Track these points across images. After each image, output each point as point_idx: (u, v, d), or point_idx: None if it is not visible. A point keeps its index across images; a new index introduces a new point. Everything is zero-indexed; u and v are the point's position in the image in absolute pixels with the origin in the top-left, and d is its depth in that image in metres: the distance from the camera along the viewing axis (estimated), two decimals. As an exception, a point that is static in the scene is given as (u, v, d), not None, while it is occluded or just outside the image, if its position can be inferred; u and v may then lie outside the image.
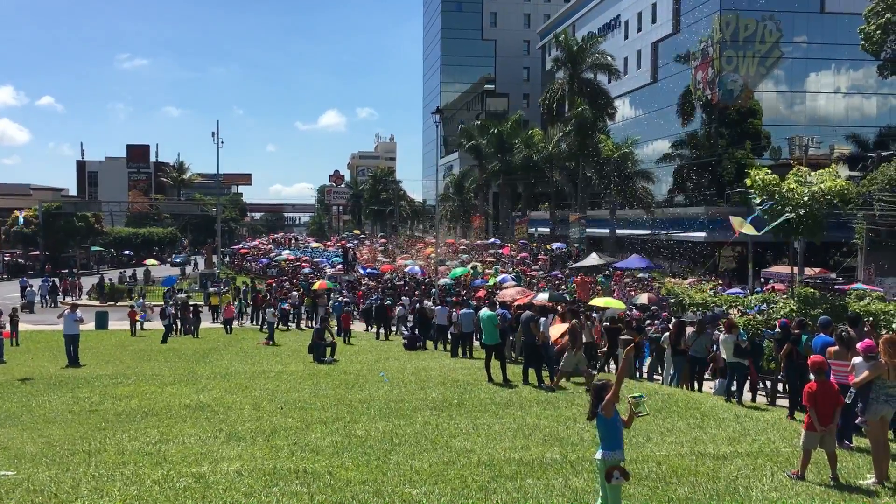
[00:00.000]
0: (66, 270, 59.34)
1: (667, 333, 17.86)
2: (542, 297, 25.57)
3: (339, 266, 53.16)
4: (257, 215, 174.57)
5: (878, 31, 39.46)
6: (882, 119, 53.69)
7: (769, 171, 20.84)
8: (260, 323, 30.42)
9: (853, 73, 54.51)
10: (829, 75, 54.83)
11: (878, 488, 8.26)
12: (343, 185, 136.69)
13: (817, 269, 37.55)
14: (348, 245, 68.26)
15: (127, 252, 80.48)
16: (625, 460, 6.63)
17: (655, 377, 18.68)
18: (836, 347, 10.21)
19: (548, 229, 66.32)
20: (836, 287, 30.15)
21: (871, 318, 16.85)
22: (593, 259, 44.37)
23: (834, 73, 54.82)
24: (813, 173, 20.36)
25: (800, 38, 53.59)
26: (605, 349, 19.40)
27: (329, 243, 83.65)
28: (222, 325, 31.37)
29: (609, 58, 58.39)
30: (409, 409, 12.97)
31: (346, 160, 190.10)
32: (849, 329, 10.73)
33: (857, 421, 10.10)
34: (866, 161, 42.35)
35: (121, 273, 55.02)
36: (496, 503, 7.60)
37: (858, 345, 9.97)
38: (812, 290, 20.80)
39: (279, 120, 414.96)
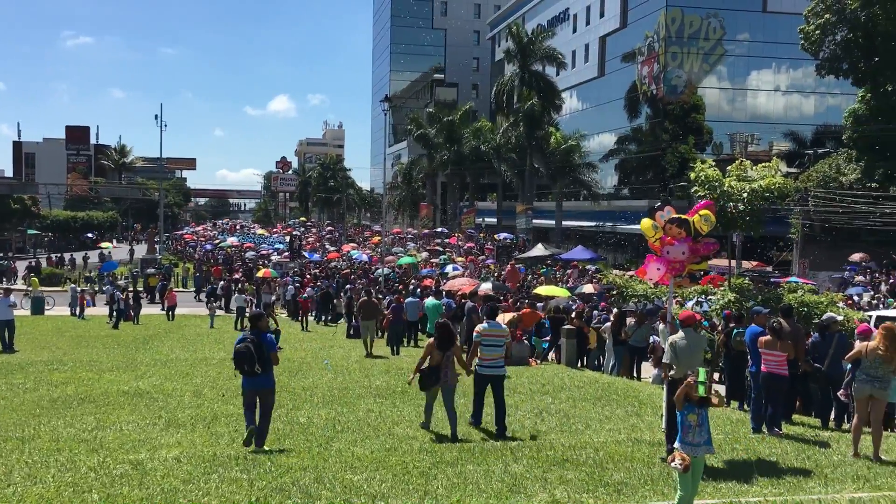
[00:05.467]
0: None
1: (608, 323, 18.18)
2: (486, 287, 25.76)
3: (285, 253, 52.73)
4: (202, 201, 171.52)
5: (817, 31, 40.49)
6: (819, 117, 55.23)
7: (713, 165, 21.15)
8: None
9: (793, 72, 55.94)
10: (770, 73, 56.19)
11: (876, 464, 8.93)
12: (290, 172, 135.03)
13: (754, 263, 38.55)
14: (294, 232, 67.70)
15: (89, 234, 78.35)
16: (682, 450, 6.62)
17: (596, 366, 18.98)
18: (768, 337, 10.54)
19: (495, 219, 66.69)
20: (771, 280, 31.02)
21: (804, 310, 17.39)
22: (539, 250, 44.80)
23: (774, 71, 56.18)
24: (755, 168, 20.81)
25: (742, 36, 54.76)
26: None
27: (275, 230, 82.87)
28: (165, 312, 30.96)
29: (559, 54, 59.00)
30: (353, 397, 12.99)
31: (293, 147, 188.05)
32: (780, 320, 11.08)
33: (842, 397, 11.18)
34: (803, 158, 43.60)
35: (84, 256, 53.47)
36: (436, 489, 7.67)
37: (857, 328, 11.49)
38: (748, 283, 21.33)
39: (228, 104, 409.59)
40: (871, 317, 18.91)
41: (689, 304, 19.20)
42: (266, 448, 9.23)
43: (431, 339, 10.61)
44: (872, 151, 38.77)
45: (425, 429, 10.31)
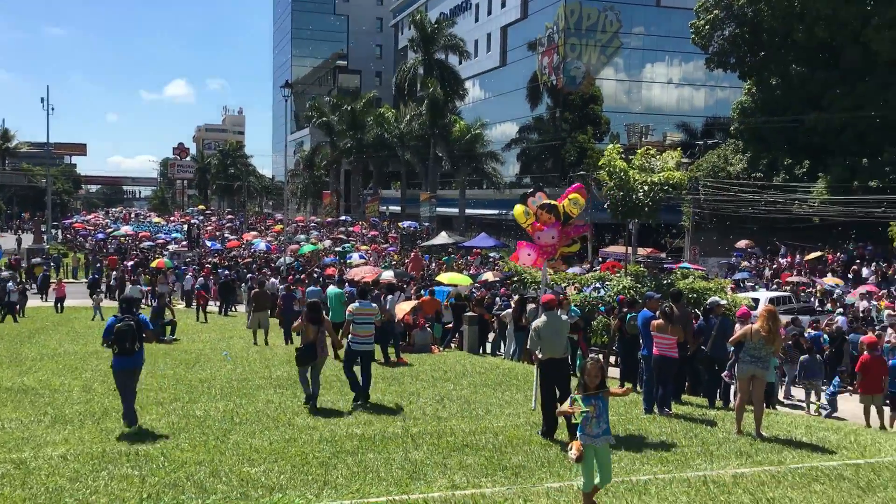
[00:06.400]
0: None
1: (509, 310, 18.44)
2: (388, 275, 25.76)
3: (183, 242, 51.24)
4: (94, 188, 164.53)
5: (706, 26, 42.16)
6: (709, 110, 57.63)
7: (622, 152, 21.62)
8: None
9: (685, 66, 58.07)
10: (663, 66, 58.17)
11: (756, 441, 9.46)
12: (188, 159, 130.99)
13: (649, 249, 39.90)
14: (193, 221, 65.82)
15: None
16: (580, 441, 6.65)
17: (498, 353, 19.26)
18: (660, 321, 10.93)
19: (399, 208, 66.68)
20: (665, 266, 32.18)
21: (694, 295, 18.08)
22: (443, 238, 45.09)
23: (667, 64, 58.20)
24: (659, 156, 21.46)
25: (637, 30, 56.45)
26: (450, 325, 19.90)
27: (172, 218, 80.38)
28: (53, 304, 29.60)
29: (460, 41, 59.30)
30: (252, 388, 12.74)
31: (192, 133, 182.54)
32: (671, 305, 11.51)
33: (725, 378, 12.22)
34: (694, 149, 45.35)
35: None
36: (336, 478, 7.62)
37: (737, 312, 12.32)
38: (643, 269, 22.04)
39: (122, 88, 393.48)
40: (756, 301, 19.93)
41: (588, 289, 19.69)
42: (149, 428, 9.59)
43: (301, 317, 11.43)
44: (757, 142, 40.69)
45: (311, 398, 10.94)
